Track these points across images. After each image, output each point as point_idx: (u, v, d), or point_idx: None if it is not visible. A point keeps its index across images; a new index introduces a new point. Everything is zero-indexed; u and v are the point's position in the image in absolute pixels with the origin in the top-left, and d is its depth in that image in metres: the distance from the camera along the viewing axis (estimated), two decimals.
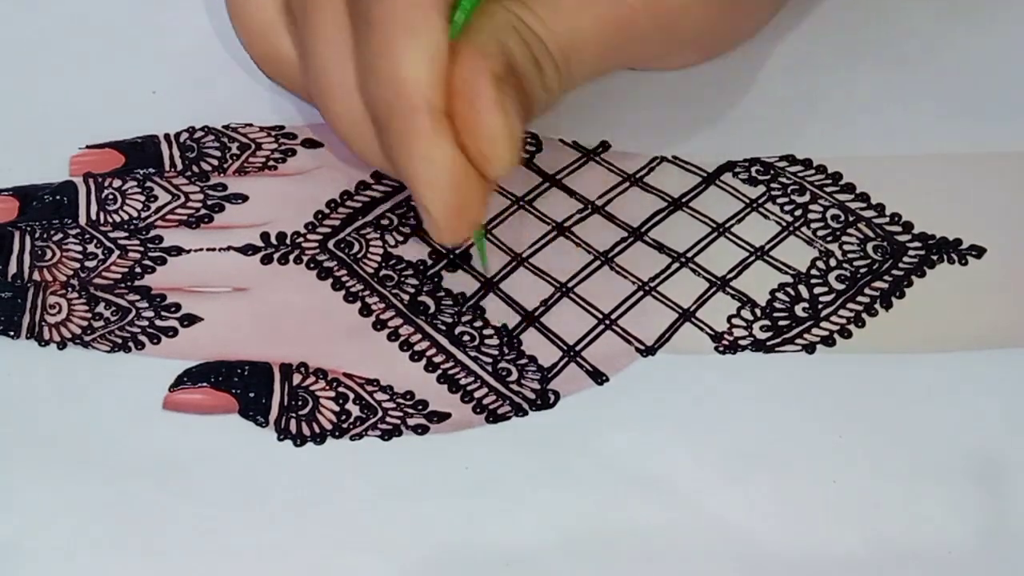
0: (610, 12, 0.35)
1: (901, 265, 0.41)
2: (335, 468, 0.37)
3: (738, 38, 0.41)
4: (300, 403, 0.38)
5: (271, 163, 0.43)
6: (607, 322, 0.40)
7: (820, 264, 0.41)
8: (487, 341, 0.40)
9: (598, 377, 0.39)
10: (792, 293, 0.41)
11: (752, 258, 0.42)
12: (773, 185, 0.43)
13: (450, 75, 0.33)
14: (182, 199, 0.42)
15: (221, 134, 0.44)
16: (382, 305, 0.40)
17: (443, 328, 0.40)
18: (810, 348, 0.40)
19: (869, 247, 0.42)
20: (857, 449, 0.38)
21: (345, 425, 0.38)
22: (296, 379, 0.39)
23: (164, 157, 0.43)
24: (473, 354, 0.39)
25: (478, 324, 0.40)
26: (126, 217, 0.42)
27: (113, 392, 0.38)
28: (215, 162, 0.43)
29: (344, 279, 0.41)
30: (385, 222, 0.42)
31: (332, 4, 0.35)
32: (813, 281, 0.41)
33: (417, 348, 0.39)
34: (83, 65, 0.46)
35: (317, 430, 0.38)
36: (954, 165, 0.44)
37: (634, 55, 0.38)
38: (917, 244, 0.42)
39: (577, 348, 0.40)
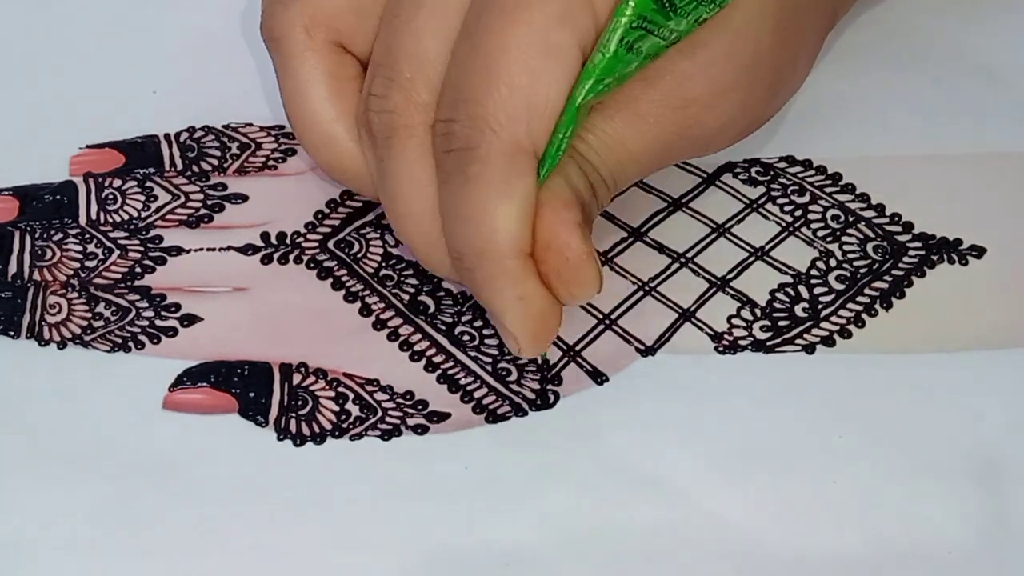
0: (652, 137, 0.37)
1: (901, 265, 0.41)
2: (335, 468, 0.37)
3: (771, 114, 0.41)
4: (300, 403, 0.38)
5: (271, 163, 0.44)
6: (607, 322, 0.40)
7: (820, 264, 0.41)
8: (487, 341, 0.40)
9: (598, 377, 0.39)
10: (792, 293, 0.41)
11: (752, 258, 0.42)
12: (773, 186, 0.43)
13: (535, 224, 0.35)
14: (182, 199, 0.42)
15: (221, 134, 0.44)
16: (382, 305, 0.40)
17: (443, 328, 0.40)
18: (810, 348, 0.40)
19: (869, 247, 0.42)
20: (857, 449, 0.38)
21: (345, 425, 0.38)
22: (296, 379, 0.39)
23: (164, 157, 0.43)
24: (473, 354, 0.39)
25: (478, 324, 0.40)
26: (126, 217, 0.42)
27: (113, 392, 0.38)
28: (215, 162, 0.43)
29: (344, 279, 0.41)
30: (385, 222, 0.42)
31: (417, 142, 0.36)
32: (813, 281, 0.41)
33: (417, 348, 0.39)
34: (83, 65, 0.46)
35: (317, 430, 0.38)
36: (954, 165, 0.44)
37: (671, 161, 0.39)
38: (917, 244, 0.42)
39: (577, 348, 0.40)
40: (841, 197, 0.43)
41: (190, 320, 0.40)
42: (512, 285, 0.35)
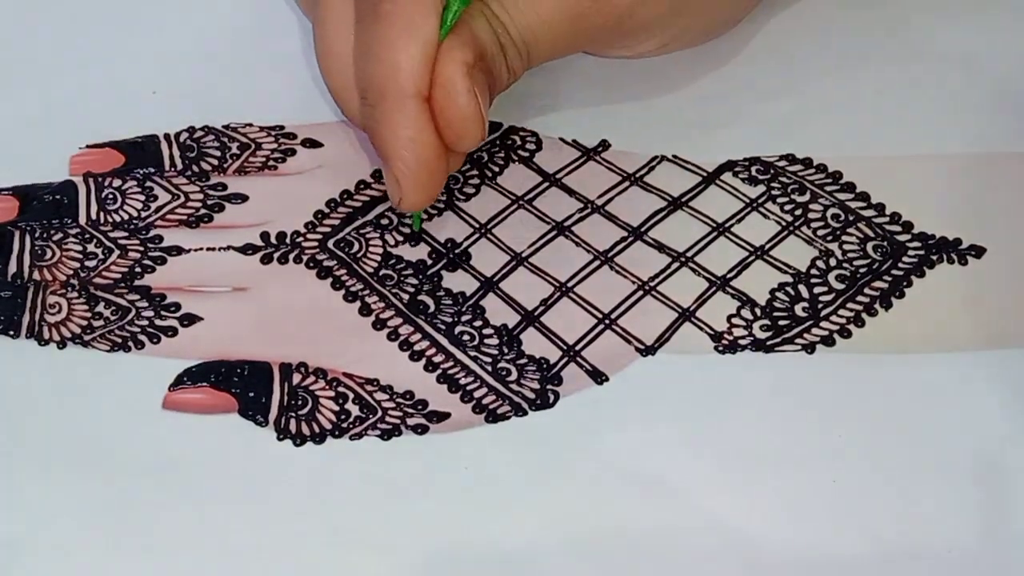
0: (564, 4, 0.40)
1: (901, 265, 0.41)
2: (335, 468, 0.37)
3: (699, 33, 0.44)
4: (300, 403, 0.38)
5: (271, 163, 0.44)
6: (607, 322, 0.40)
7: (820, 264, 0.41)
8: (487, 341, 0.40)
9: (598, 377, 0.39)
10: (792, 293, 0.41)
11: (752, 258, 0.42)
12: (773, 184, 0.43)
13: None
14: (182, 199, 0.42)
15: (221, 134, 0.44)
16: (382, 304, 0.40)
17: (443, 328, 0.40)
18: (810, 348, 0.40)
19: (869, 247, 0.42)
20: (857, 449, 0.38)
21: (345, 425, 0.38)
22: (296, 379, 0.39)
23: (164, 157, 0.43)
24: (473, 354, 0.39)
25: (478, 324, 0.40)
26: (126, 217, 0.42)
27: (113, 392, 0.38)
28: (215, 162, 0.43)
29: (344, 278, 0.41)
30: (385, 221, 0.42)
31: None
32: (813, 281, 0.41)
33: (417, 348, 0.39)
34: (83, 65, 0.46)
35: (317, 430, 0.38)
36: (954, 165, 0.44)
37: (590, 42, 0.42)
38: (917, 244, 0.42)
39: (577, 348, 0.40)
40: (841, 196, 0.43)
41: (190, 320, 0.40)
42: (406, 124, 0.38)
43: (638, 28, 0.42)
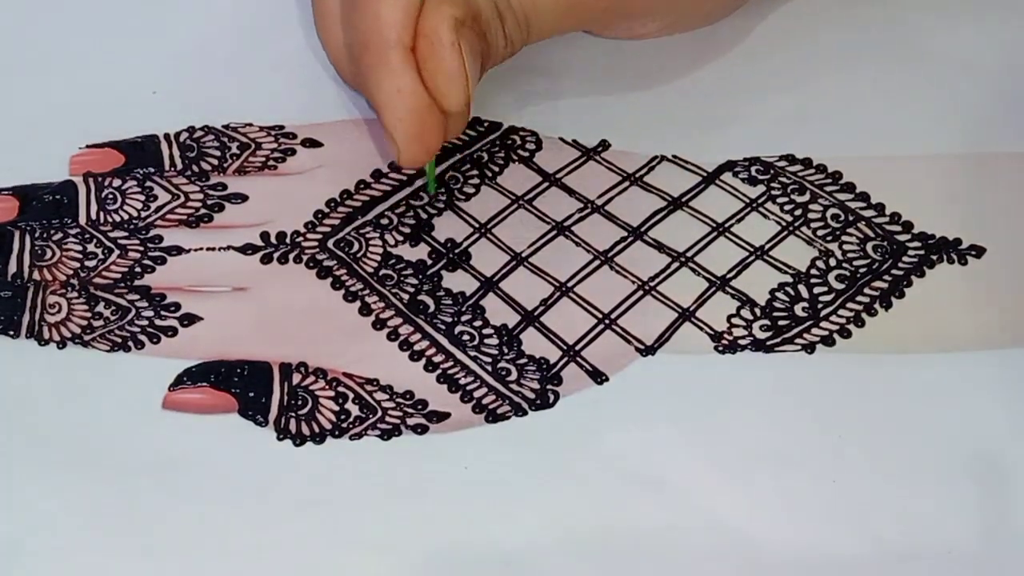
0: None
1: (901, 265, 0.41)
2: (334, 468, 0.37)
3: (700, 16, 0.44)
4: (300, 403, 0.38)
5: (271, 163, 0.43)
6: (607, 322, 0.40)
7: (820, 264, 0.41)
8: (487, 341, 0.40)
9: (598, 377, 0.39)
10: (792, 293, 0.41)
11: (752, 258, 0.42)
12: (773, 184, 0.43)
13: (419, 19, 0.38)
14: (182, 199, 0.42)
15: (221, 134, 0.44)
16: (382, 304, 0.40)
17: (443, 328, 0.40)
18: (810, 348, 0.40)
19: (869, 247, 0.42)
20: (857, 449, 0.38)
21: (344, 425, 0.38)
22: (296, 379, 0.39)
23: (164, 157, 0.43)
24: (473, 354, 0.39)
25: (478, 324, 0.40)
26: (126, 217, 0.42)
27: (113, 392, 0.38)
28: (215, 161, 0.43)
29: (344, 278, 0.41)
30: (385, 221, 0.42)
31: None
32: (813, 281, 0.41)
33: (417, 348, 0.39)
34: (83, 65, 0.46)
35: (316, 430, 0.38)
36: (954, 165, 0.44)
37: (592, 21, 0.43)
38: (917, 244, 0.42)
39: (577, 348, 0.40)
40: (841, 196, 0.43)
41: (190, 320, 0.40)
42: (391, 76, 0.38)
43: (640, 10, 0.42)
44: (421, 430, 0.38)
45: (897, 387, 0.39)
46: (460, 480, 0.37)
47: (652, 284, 0.41)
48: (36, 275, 0.40)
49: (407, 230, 0.42)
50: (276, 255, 0.41)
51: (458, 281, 0.41)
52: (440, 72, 0.38)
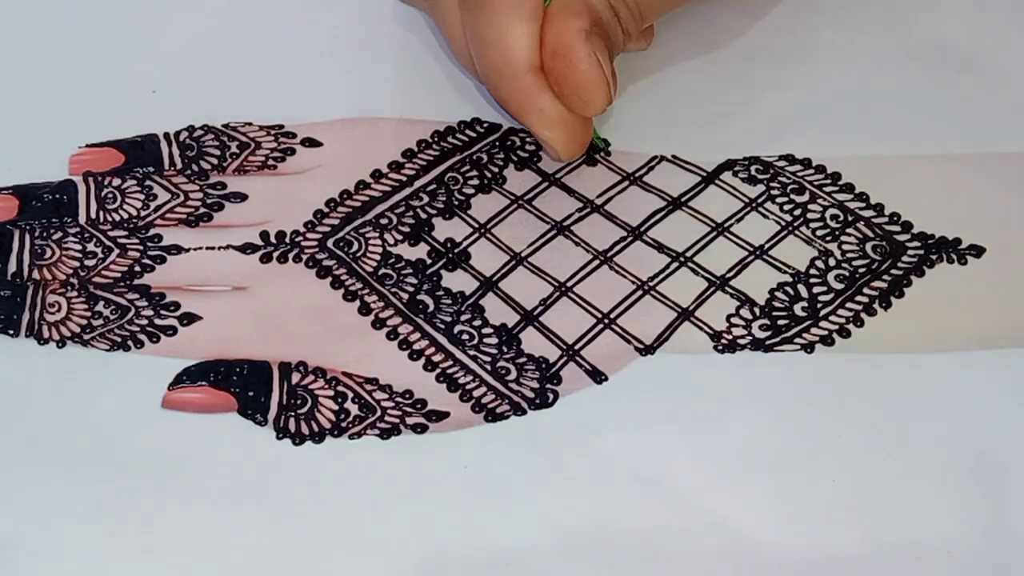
0: None
1: (900, 265, 0.41)
2: (334, 467, 0.37)
3: None
4: (299, 402, 0.38)
5: (270, 162, 0.44)
6: (606, 321, 0.40)
7: (819, 264, 0.41)
8: (486, 340, 0.40)
9: (597, 376, 0.39)
10: (791, 292, 0.41)
11: (751, 257, 0.42)
12: (772, 184, 0.43)
13: (545, 35, 0.40)
14: (181, 198, 0.42)
15: (220, 133, 0.44)
16: (381, 304, 0.40)
17: (442, 327, 0.40)
18: (809, 348, 0.40)
19: (868, 247, 0.42)
20: (857, 449, 0.38)
21: (344, 424, 0.38)
22: (295, 378, 0.38)
23: (164, 156, 0.43)
24: (472, 353, 0.39)
25: (477, 323, 0.40)
26: (126, 216, 0.42)
27: (112, 391, 0.38)
28: (214, 161, 0.43)
29: (343, 278, 0.41)
30: (384, 221, 0.42)
31: None
32: (812, 281, 0.41)
33: (416, 347, 0.39)
34: (83, 65, 0.46)
35: (316, 429, 0.38)
36: (954, 165, 0.44)
37: None
38: (916, 244, 0.42)
39: (576, 347, 0.39)
40: (840, 196, 0.43)
41: (189, 319, 0.40)
42: (530, 99, 0.40)
43: None
44: (420, 429, 0.38)
45: (897, 387, 0.39)
46: (460, 480, 0.37)
47: (651, 284, 0.41)
48: (36, 274, 0.40)
49: (407, 230, 0.42)
50: (276, 254, 0.41)
51: (458, 281, 0.41)
52: (582, 85, 0.40)
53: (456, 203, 0.43)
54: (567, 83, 0.40)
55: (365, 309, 0.40)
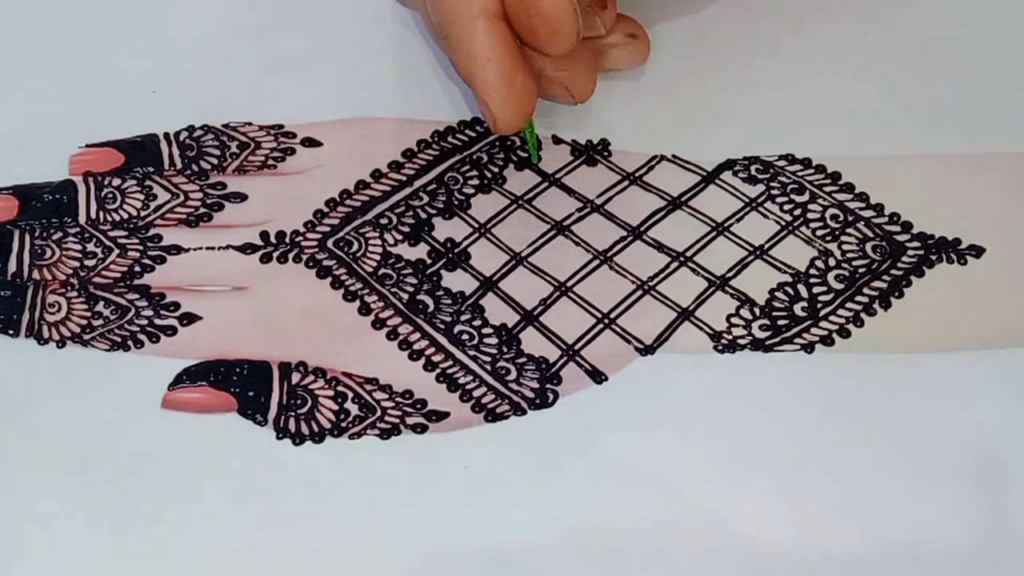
0: None
1: (900, 265, 0.41)
2: (334, 467, 0.37)
3: None
4: (299, 402, 0.38)
5: (270, 162, 0.44)
6: (606, 321, 0.40)
7: (819, 264, 0.41)
8: (486, 340, 0.40)
9: (597, 376, 0.39)
10: (791, 292, 0.41)
11: (751, 257, 0.42)
12: (772, 184, 0.43)
13: None
14: (181, 198, 0.42)
15: (220, 133, 0.44)
16: (381, 304, 0.40)
17: (442, 327, 0.40)
18: (809, 348, 0.40)
19: (868, 247, 0.42)
20: (857, 449, 0.38)
21: (344, 424, 0.38)
22: (295, 378, 0.39)
23: (164, 156, 0.43)
24: (472, 353, 0.39)
25: (477, 323, 0.40)
26: (125, 216, 0.42)
27: (112, 391, 0.38)
28: (214, 161, 0.43)
29: (343, 278, 0.41)
30: (384, 221, 0.42)
31: None
32: (812, 281, 0.41)
33: (416, 347, 0.39)
34: (83, 65, 0.46)
35: (316, 429, 0.38)
36: (954, 165, 0.44)
37: None
38: (916, 244, 0.42)
39: (576, 347, 0.39)
40: (840, 196, 0.43)
41: (189, 319, 0.40)
42: (479, 43, 0.38)
43: None
44: (420, 429, 0.38)
45: (897, 387, 0.39)
46: (459, 479, 0.37)
47: (651, 284, 0.41)
48: (36, 274, 0.40)
49: (406, 229, 0.42)
50: (275, 254, 0.41)
51: (457, 281, 0.41)
52: (551, 9, 0.38)
53: (456, 203, 0.43)
54: (536, 10, 0.38)
55: (365, 309, 0.40)
